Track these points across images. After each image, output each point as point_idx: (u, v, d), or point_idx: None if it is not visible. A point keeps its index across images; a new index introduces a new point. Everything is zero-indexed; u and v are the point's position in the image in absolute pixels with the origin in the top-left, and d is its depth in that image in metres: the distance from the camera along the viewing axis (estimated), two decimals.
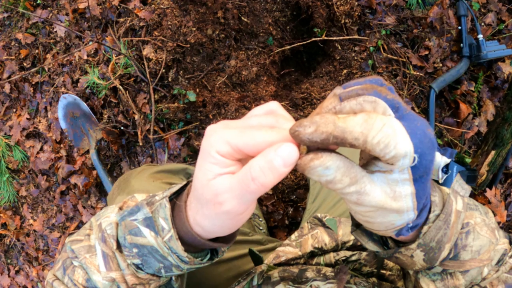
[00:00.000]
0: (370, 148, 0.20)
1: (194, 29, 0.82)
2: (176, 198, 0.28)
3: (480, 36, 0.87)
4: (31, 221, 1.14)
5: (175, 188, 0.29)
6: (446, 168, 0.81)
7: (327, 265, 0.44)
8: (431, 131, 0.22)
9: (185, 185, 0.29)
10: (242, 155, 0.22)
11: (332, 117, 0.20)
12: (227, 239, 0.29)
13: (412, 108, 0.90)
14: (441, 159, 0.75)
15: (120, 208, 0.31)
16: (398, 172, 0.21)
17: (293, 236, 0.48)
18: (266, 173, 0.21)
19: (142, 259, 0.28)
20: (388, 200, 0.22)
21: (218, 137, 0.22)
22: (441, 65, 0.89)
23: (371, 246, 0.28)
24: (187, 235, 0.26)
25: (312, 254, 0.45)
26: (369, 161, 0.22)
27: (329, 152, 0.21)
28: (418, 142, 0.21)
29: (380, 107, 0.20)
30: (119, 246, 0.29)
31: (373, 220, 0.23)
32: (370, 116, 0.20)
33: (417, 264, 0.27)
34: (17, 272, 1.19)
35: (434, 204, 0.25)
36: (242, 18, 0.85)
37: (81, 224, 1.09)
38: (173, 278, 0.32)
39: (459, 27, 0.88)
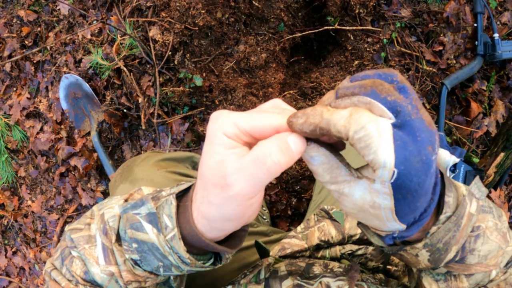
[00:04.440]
0: (352, 143, 0.19)
1: (203, 11, 0.79)
2: (180, 200, 0.27)
3: (496, 35, 0.84)
4: (29, 202, 1.13)
5: (184, 185, 0.28)
6: (453, 167, 0.80)
7: (332, 258, 0.43)
8: (433, 150, 0.19)
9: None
10: (249, 137, 0.22)
11: (321, 109, 0.20)
12: (232, 244, 0.28)
13: (423, 104, 0.88)
14: (450, 158, 0.74)
15: (126, 200, 0.30)
16: (379, 183, 0.20)
17: (299, 228, 0.47)
18: (284, 152, 0.21)
19: (141, 256, 0.27)
20: (365, 206, 0.21)
21: (225, 119, 0.22)
22: (454, 62, 0.87)
23: (376, 240, 0.27)
24: (191, 234, 0.25)
25: (318, 247, 0.44)
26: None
27: (319, 145, 0.21)
28: (403, 158, 0.18)
29: (376, 109, 0.19)
30: (118, 240, 0.28)
31: (358, 220, 0.23)
32: (358, 111, 0.19)
33: (421, 263, 0.26)
34: (14, 253, 1.18)
35: (446, 206, 0.24)
36: (253, 2, 0.82)
37: (80, 207, 1.08)
38: (172, 276, 0.30)
39: (475, 24, 0.86)
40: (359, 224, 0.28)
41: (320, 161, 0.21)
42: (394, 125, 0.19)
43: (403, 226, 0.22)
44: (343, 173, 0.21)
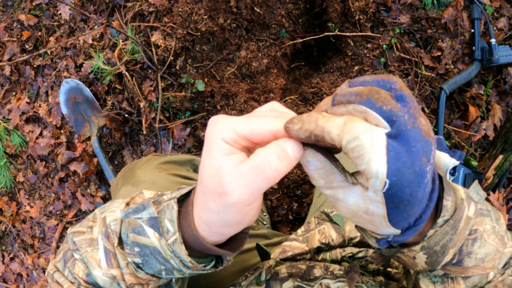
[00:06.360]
0: (345, 151, 0.19)
1: (206, 17, 0.80)
2: (182, 205, 0.27)
3: (493, 40, 0.86)
4: (27, 208, 1.12)
5: (185, 190, 0.28)
6: (453, 170, 0.81)
7: (333, 261, 0.43)
8: (428, 161, 0.19)
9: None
10: (247, 142, 0.22)
11: (316, 116, 0.20)
12: (233, 247, 0.28)
13: (422, 109, 0.89)
14: (450, 161, 0.75)
15: (127, 204, 0.30)
16: (372, 191, 0.20)
17: (299, 231, 0.48)
18: (282, 159, 0.21)
19: (143, 259, 0.27)
20: (359, 212, 0.21)
21: (223, 124, 0.22)
22: (452, 67, 0.88)
23: (373, 242, 0.27)
24: (192, 238, 0.25)
25: (318, 250, 0.44)
26: None
27: (315, 150, 0.21)
28: (395, 169, 0.19)
29: (371, 118, 0.19)
30: (120, 243, 0.28)
31: (354, 223, 0.24)
32: (352, 120, 0.19)
33: (418, 266, 0.26)
34: (11, 259, 1.16)
35: (444, 209, 0.24)
36: (255, 8, 0.83)
37: (79, 213, 1.07)
38: (173, 279, 0.31)
39: (472, 30, 0.87)
40: (357, 226, 0.28)
41: (315, 166, 0.21)
42: (389, 135, 0.19)
43: (398, 231, 0.22)
44: (338, 179, 0.21)
